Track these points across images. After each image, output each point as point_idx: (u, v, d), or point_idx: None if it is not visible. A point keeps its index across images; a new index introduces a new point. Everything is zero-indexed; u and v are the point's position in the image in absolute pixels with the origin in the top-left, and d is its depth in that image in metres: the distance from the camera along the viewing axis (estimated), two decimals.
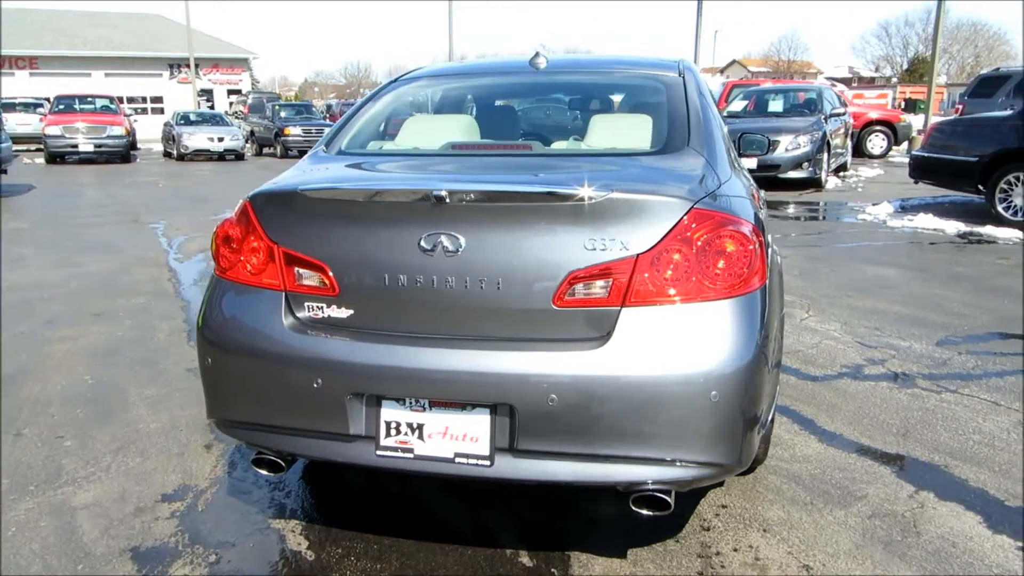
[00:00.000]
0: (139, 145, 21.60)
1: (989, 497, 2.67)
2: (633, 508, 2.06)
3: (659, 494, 2.01)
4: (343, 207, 2.11)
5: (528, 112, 3.05)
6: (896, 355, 4.12)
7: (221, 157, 21.35)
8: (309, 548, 2.41)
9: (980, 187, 7.88)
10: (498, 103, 3.08)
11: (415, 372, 2.00)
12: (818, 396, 3.56)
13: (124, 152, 20.23)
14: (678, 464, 1.96)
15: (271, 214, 2.19)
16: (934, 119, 15.81)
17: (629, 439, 1.93)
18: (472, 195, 1.97)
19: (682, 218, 1.96)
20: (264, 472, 2.31)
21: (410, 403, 2.04)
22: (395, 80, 3.08)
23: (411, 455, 2.04)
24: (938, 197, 10.15)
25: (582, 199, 1.94)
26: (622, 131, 2.59)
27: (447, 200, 1.96)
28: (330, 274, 2.10)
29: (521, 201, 1.98)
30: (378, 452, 2.06)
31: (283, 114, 23.87)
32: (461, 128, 2.70)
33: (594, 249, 1.95)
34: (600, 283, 1.96)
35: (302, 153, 22.64)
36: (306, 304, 2.14)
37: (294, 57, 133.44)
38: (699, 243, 1.96)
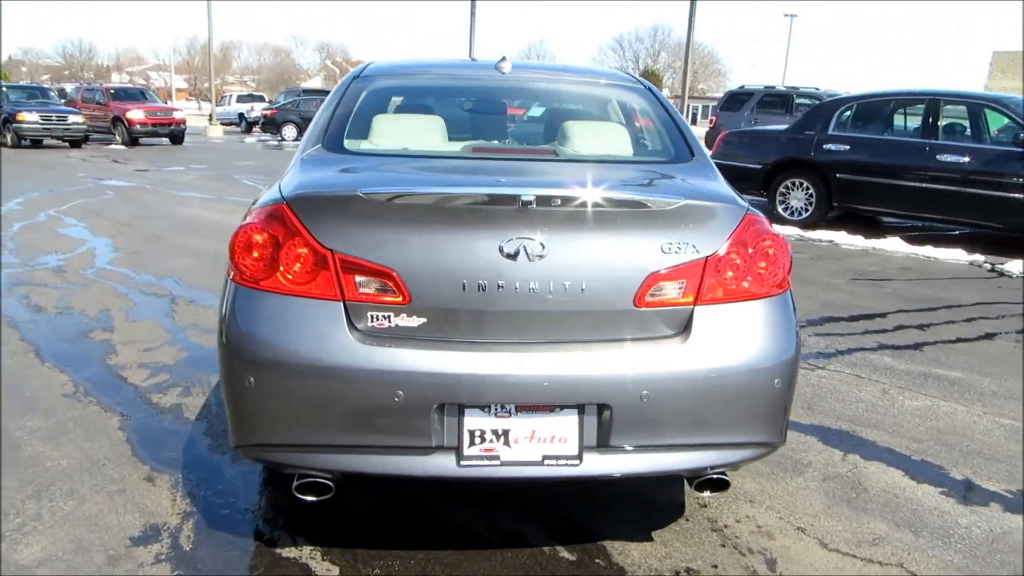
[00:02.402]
0: None
1: (897, 454, 3.19)
2: (696, 491, 2.22)
3: (722, 476, 2.18)
4: (412, 211, 2.02)
5: (515, 115, 3.06)
6: None
7: None
8: (342, 573, 2.26)
9: (763, 191, 9.10)
10: (484, 105, 3.05)
11: (502, 379, 1.98)
12: None
13: None
14: (745, 447, 2.15)
15: (320, 218, 2.03)
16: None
17: (709, 427, 2.08)
18: (559, 200, 2.00)
19: (739, 223, 2.15)
20: (310, 498, 2.14)
21: (495, 410, 2.02)
22: (359, 76, 2.92)
23: (497, 462, 2.02)
24: None
25: (662, 205, 2.06)
26: (628, 139, 2.72)
27: (533, 205, 1.97)
28: (400, 281, 2.00)
29: (606, 207, 2.04)
30: (462, 462, 2.01)
31: (12, 97, 20.76)
32: (458, 129, 2.66)
33: (670, 252, 2.07)
34: (675, 284, 2.08)
35: (37, 143, 20.04)
36: (369, 314, 2.02)
37: None
38: (751, 246, 2.16)
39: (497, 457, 2.02)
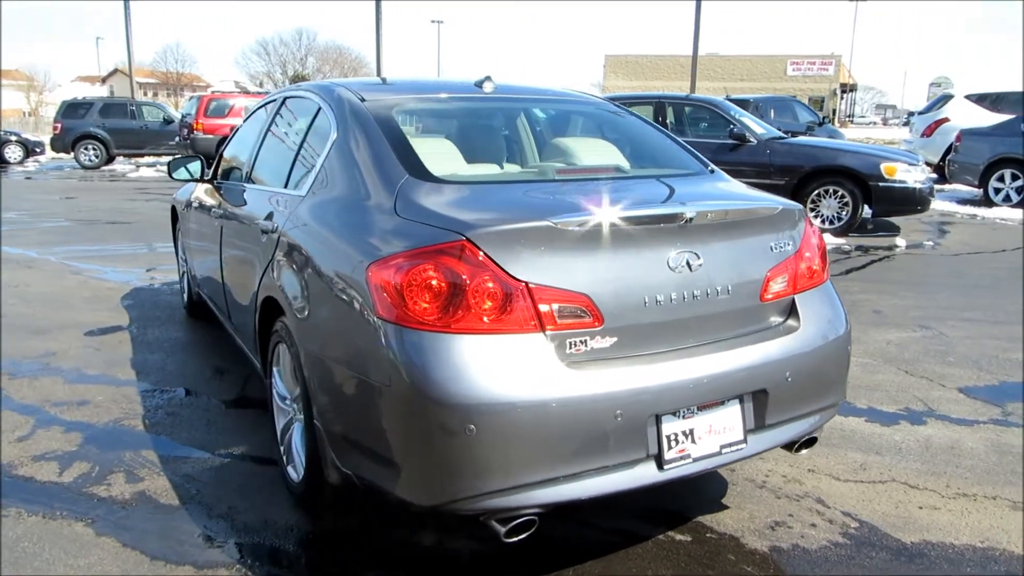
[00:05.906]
0: None
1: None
2: (794, 453, 2.59)
3: (814, 435, 2.58)
4: (596, 236, 2.08)
5: (554, 136, 3.04)
6: None
7: None
8: None
9: None
10: (520, 126, 2.99)
11: (690, 383, 2.16)
12: None
13: None
14: (831, 407, 2.58)
15: (508, 251, 2.00)
16: None
17: (819, 394, 2.47)
18: (710, 214, 2.22)
19: (805, 220, 2.56)
20: (514, 539, 2.07)
21: (683, 413, 2.17)
22: (365, 99, 2.70)
23: (689, 460, 2.19)
24: None
25: (770, 211, 2.39)
26: (666, 155, 2.96)
27: (693, 220, 2.17)
28: (594, 305, 2.06)
29: (741, 216, 2.30)
30: (665, 467, 2.14)
31: None
32: (514, 151, 2.66)
33: (776, 250, 2.41)
34: (782, 277, 2.43)
35: None
36: (568, 341, 2.05)
37: None
38: (811, 240, 2.58)
39: (689, 456, 2.18)
